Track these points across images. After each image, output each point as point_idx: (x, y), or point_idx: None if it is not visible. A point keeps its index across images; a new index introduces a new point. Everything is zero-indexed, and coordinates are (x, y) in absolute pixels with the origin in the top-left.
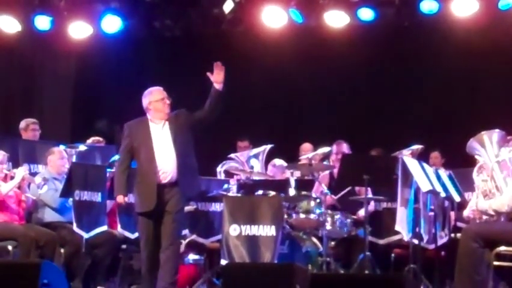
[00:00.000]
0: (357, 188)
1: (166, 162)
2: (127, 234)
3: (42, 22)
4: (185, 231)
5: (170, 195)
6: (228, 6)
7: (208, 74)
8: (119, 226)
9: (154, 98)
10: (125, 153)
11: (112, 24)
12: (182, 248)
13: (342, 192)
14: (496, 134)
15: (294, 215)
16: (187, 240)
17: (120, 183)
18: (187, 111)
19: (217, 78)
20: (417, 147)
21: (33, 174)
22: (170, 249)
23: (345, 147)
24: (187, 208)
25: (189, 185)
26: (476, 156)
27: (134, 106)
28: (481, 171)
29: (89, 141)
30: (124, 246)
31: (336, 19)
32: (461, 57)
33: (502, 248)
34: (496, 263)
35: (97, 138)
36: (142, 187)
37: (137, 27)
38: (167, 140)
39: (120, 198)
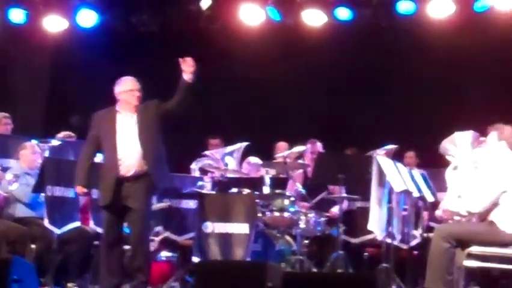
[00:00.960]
0: (331, 187)
1: (129, 154)
2: (100, 230)
3: (17, 15)
4: (159, 228)
5: (134, 189)
6: (205, 3)
7: (180, 60)
8: (91, 222)
9: (124, 88)
10: (90, 143)
11: (88, 18)
12: (155, 245)
13: (318, 198)
14: (468, 135)
15: (268, 213)
16: (160, 237)
17: (79, 173)
18: (158, 102)
19: (186, 68)
20: (391, 147)
21: (4, 168)
22: (140, 248)
23: (318, 146)
24: (160, 205)
25: (160, 176)
26: (449, 157)
27: (109, 101)
28: (454, 172)
29: (60, 135)
30: (96, 242)
31: (313, 18)
32: (437, 58)
33: (474, 248)
34: (467, 263)
35: (68, 132)
36: (103, 180)
37: (113, 22)
38: (132, 132)
39: (78, 189)
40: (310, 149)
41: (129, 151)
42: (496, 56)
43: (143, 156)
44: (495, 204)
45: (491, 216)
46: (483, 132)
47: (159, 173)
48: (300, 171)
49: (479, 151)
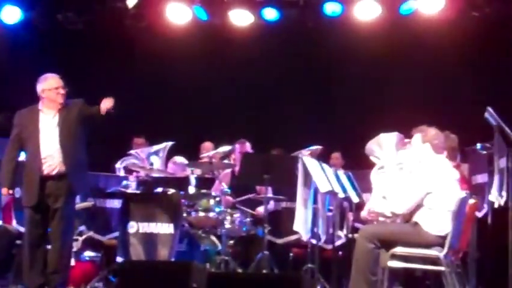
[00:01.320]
0: (258, 187)
1: (52, 153)
2: (22, 229)
3: None
4: (82, 228)
5: (57, 188)
6: (131, 1)
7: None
8: (14, 221)
9: (48, 86)
10: (13, 143)
11: (12, 14)
12: (79, 244)
13: (243, 197)
14: (393, 136)
15: (193, 213)
16: (84, 236)
17: (5, 174)
18: (83, 103)
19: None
20: (316, 147)
21: None
22: (60, 248)
23: (247, 146)
24: (84, 204)
25: (78, 180)
26: (374, 158)
27: (33, 99)
28: (379, 173)
29: None
30: (18, 241)
31: (240, 18)
32: (364, 59)
33: (398, 249)
34: (391, 263)
35: None
36: (26, 180)
37: (38, 19)
38: (55, 132)
39: (4, 191)
40: (239, 149)
41: (53, 150)
42: (421, 57)
43: (63, 161)
44: (419, 206)
45: (415, 217)
46: (408, 134)
47: (78, 178)
48: (228, 171)
49: (403, 153)
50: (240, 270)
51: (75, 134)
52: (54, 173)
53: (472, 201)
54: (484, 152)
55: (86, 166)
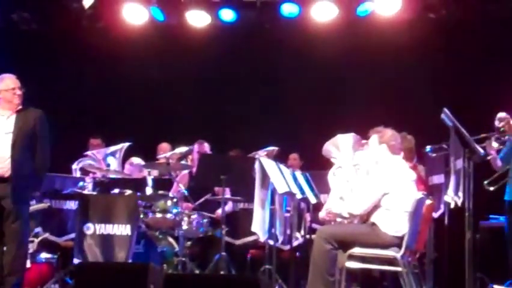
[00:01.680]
0: (216, 188)
1: (5, 155)
2: None
3: None
4: (38, 229)
5: (11, 189)
6: (87, 2)
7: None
8: None
9: (5, 87)
10: None
11: None
12: (34, 246)
13: (200, 200)
14: (350, 137)
15: (150, 214)
16: (40, 238)
17: None
18: (41, 118)
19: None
20: (272, 148)
21: None
22: (15, 250)
23: (206, 147)
24: (40, 206)
25: (20, 189)
26: (332, 159)
27: None
28: (336, 174)
29: None
30: None
31: (197, 19)
32: (321, 60)
33: (355, 250)
34: (348, 264)
35: None
36: None
37: None
38: (9, 135)
39: None
40: (197, 149)
41: (5, 152)
42: (378, 58)
43: (12, 161)
44: (376, 206)
45: (373, 218)
46: (365, 135)
47: (21, 187)
48: (186, 172)
49: (360, 154)
50: (197, 272)
51: (26, 142)
52: (7, 175)
53: (428, 202)
54: (434, 155)
55: (30, 179)
